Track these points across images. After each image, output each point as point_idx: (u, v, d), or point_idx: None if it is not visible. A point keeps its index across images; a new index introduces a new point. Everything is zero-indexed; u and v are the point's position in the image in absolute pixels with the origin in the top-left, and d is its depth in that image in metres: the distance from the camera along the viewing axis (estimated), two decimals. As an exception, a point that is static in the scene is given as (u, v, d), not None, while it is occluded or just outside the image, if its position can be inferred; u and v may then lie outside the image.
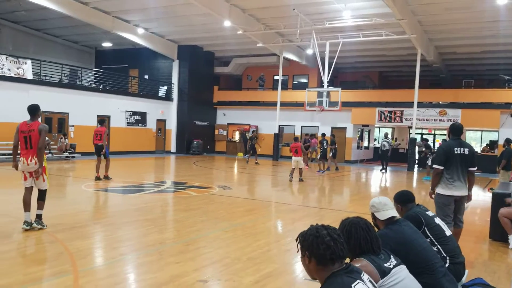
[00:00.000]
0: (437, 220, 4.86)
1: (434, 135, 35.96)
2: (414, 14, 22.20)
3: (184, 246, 7.41)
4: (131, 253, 6.98)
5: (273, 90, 33.28)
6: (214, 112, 35.87)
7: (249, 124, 33.97)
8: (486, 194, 15.86)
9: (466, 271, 4.78)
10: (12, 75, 22.21)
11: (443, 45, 27.77)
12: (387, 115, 28.93)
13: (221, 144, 35.70)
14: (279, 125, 30.79)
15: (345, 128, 30.74)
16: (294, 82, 35.47)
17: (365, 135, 34.18)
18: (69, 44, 34.33)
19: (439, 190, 6.98)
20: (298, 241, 2.86)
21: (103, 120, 16.04)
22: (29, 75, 23.09)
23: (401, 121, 28.70)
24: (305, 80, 34.69)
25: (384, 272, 3.28)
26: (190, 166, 23.61)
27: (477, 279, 4.70)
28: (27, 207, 7.89)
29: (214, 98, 35.62)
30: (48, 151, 22.11)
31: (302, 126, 31.96)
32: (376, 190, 17.96)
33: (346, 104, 27.84)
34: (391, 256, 3.46)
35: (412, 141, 26.84)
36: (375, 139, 36.22)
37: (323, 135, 24.56)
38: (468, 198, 7.07)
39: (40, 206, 8.00)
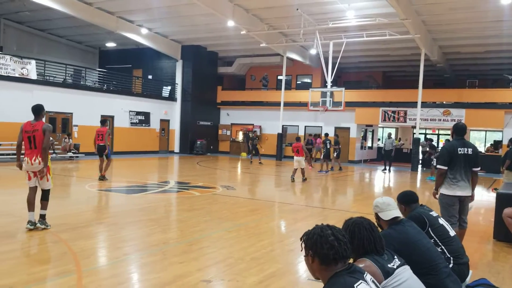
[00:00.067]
0: (441, 221, 4.84)
1: (438, 135, 35.90)
2: (418, 14, 22.16)
3: (187, 246, 7.41)
4: (135, 253, 6.98)
5: (277, 90, 33.27)
6: (217, 112, 35.88)
7: (253, 124, 33.98)
8: (490, 194, 15.81)
9: (470, 271, 4.77)
10: (16, 75, 22.27)
11: (447, 45, 27.71)
12: (391, 115, 28.88)
13: (225, 144, 35.71)
14: (283, 125, 30.77)
15: (348, 128, 30.70)
16: (298, 82, 35.45)
17: (369, 135, 34.13)
18: (73, 44, 34.40)
19: (443, 190, 6.96)
20: (302, 240, 2.86)
21: (105, 120, 16.02)
22: (33, 75, 23.16)
23: (405, 121, 28.65)
24: (308, 80, 34.66)
25: (387, 273, 3.27)
26: (194, 166, 23.62)
27: (481, 280, 4.69)
28: (31, 207, 7.90)
29: (218, 98, 35.63)
30: (52, 151, 22.15)
31: (305, 126, 31.95)
32: (380, 190, 17.94)
33: (350, 104, 27.81)
34: (395, 257, 3.45)
35: (416, 141, 26.80)
36: (379, 139, 36.17)
37: (326, 135, 24.56)
38: (471, 198, 7.06)
39: (44, 206, 8.01)
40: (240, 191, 14.96)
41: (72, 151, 23.84)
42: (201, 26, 27.31)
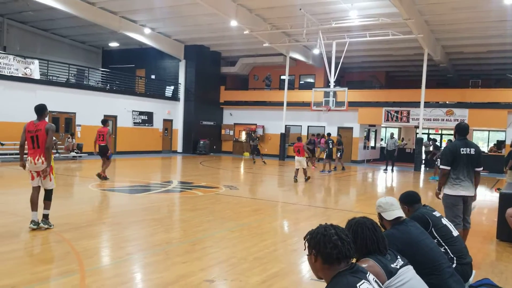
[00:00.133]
0: (444, 221, 4.84)
1: (441, 135, 35.83)
2: (421, 14, 22.13)
3: (190, 246, 7.42)
4: (138, 252, 6.99)
5: (280, 90, 33.27)
6: (220, 112, 35.89)
7: (256, 124, 33.97)
8: (493, 194, 15.77)
9: (473, 271, 4.77)
10: (20, 75, 22.31)
11: (450, 45, 27.68)
12: (394, 115, 28.86)
13: (228, 144, 35.71)
14: (286, 125, 30.77)
15: (351, 128, 30.68)
16: (301, 82, 35.44)
17: (372, 135, 34.10)
18: (76, 44, 34.45)
19: (447, 190, 6.96)
20: (305, 239, 2.87)
21: (106, 120, 15.93)
22: (37, 75, 23.19)
23: (408, 121, 28.62)
24: (311, 80, 34.65)
25: (390, 273, 3.27)
26: (197, 166, 23.64)
27: (484, 280, 4.68)
28: (34, 206, 7.92)
29: (221, 98, 35.64)
30: (55, 151, 22.20)
31: (308, 126, 31.93)
32: (383, 190, 17.93)
33: (353, 104, 27.79)
34: (398, 257, 3.45)
35: (419, 141, 26.77)
36: (382, 139, 36.13)
37: (329, 134, 24.54)
38: (474, 197, 7.05)
39: (47, 206, 8.02)
40: (243, 191, 14.97)
41: (75, 151, 23.87)
42: (204, 26, 27.33)
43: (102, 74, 31.13)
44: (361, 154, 31.34)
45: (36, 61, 23.41)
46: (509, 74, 29.42)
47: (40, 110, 8.03)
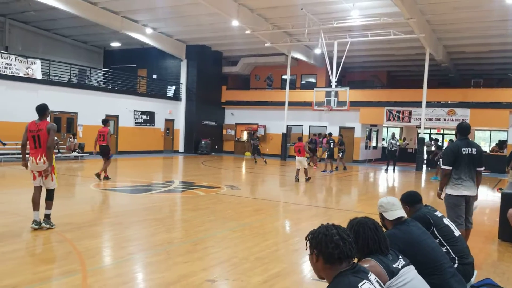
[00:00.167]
0: (446, 221, 4.83)
1: (443, 134, 35.82)
2: (422, 14, 22.12)
3: (192, 245, 7.42)
4: (139, 252, 6.99)
5: (281, 90, 33.25)
6: (222, 112, 35.89)
7: (257, 124, 33.97)
8: (495, 194, 15.76)
9: (475, 271, 4.76)
10: (22, 75, 22.34)
11: (451, 45, 27.65)
12: (396, 114, 28.84)
13: (229, 144, 35.71)
14: (287, 125, 30.75)
15: (353, 128, 30.66)
16: (302, 82, 35.43)
17: (373, 135, 34.08)
18: (78, 44, 34.48)
19: (449, 191, 6.94)
20: (307, 239, 2.87)
21: (106, 120, 15.88)
22: (38, 75, 23.22)
23: (410, 121, 28.59)
24: (313, 80, 34.64)
25: (392, 273, 3.27)
26: (198, 166, 23.65)
27: (486, 280, 4.68)
28: (36, 206, 7.92)
29: (222, 98, 35.64)
30: (57, 151, 22.22)
31: (310, 126, 31.91)
32: (384, 190, 17.91)
33: (354, 104, 27.78)
34: (400, 257, 3.45)
35: (421, 141, 26.75)
36: (383, 139, 36.11)
37: (330, 134, 24.52)
38: (475, 197, 7.05)
39: (48, 205, 8.03)
40: (244, 191, 14.98)
41: (76, 150, 23.89)
42: (205, 26, 27.33)
43: (103, 74, 31.17)
44: (363, 154, 31.31)
45: (38, 61, 23.44)
46: (511, 74, 29.37)
47: (42, 110, 8.04)
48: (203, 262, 6.54)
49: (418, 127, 28.24)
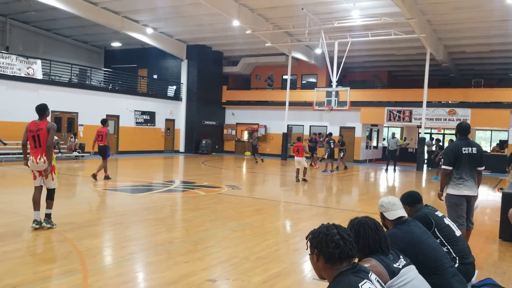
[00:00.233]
0: (447, 221, 4.83)
1: (443, 134, 35.82)
2: (423, 14, 22.11)
3: (192, 245, 7.42)
4: (140, 252, 7.00)
5: (282, 90, 33.24)
6: (222, 112, 35.89)
7: (258, 124, 33.97)
8: (496, 194, 15.75)
9: (476, 271, 4.76)
10: (22, 75, 22.35)
11: (452, 44, 27.64)
12: (396, 114, 28.83)
13: (230, 144, 35.70)
14: (288, 125, 30.74)
15: (353, 128, 30.64)
16: (303, 82, 35.42)
17: (374, 135, 34.07)
18: (78, 44, 34.49)
19: (450, 190, 6.91)
20: (308, 238, 2.86)
21: (105, 120, 15.82)
22: (39, 75, 23.23)
23: (410, 121, 28.58)
24: (313, 80, 34.63)
25: (393, 273, 3.26)
26: (199, 166, 23.65)
27: (487, 280, 4.67)
28: (36, 206, 7.93)
29: (223, 98, 35.64)
30: (57, 151, 22.23)
31: (310, 126, 31.90)
32: (385, 190, 17.90)
33: (355, 104, 27.78)
34: (400, 256, 3.45)
35: (421, 141, 26.73)
36: (384, 139, 36.11)
37: (330, 134, 24.50)
38: (476, 197, 7.03)
39: (49, 205, 8.04)
40: (245, 191, 14.99)
41: (77, 150, 23.90)
42: (206, 26, 27.34)
43: (104, 74, 31.17)
44: (363, 153, 31.30)
45: (39, 61, 23.45)
46: (511, 74, 29.33)
47: (41, 110, 8.05)
48: (204, 261, 6.54)
49: (419, 127, 28.23)
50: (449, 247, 4.56)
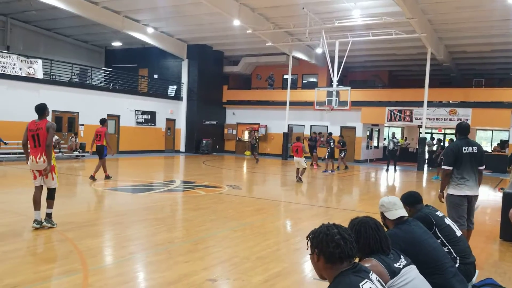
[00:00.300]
0: (447, 221, 4.82)
1: (444, 134, 35.80)
2: (424, 13, 22.09)
3: (193, 245, 7.42)
4: (140, 252, 7.00)
5: (283, 90, 33.22)
6: (223, 112, 35.88)
7: (259, 124, 33.97)
8: (496, 194, 15.74)
9: (477, 271, 4.75)
10: (23, 74, 22.36)
11: (453, 44, 27.61)
12: (397, 114, 28.81)
13: (231, 144, 35.69)
14: (288, 125, 30.72)
15: (354, 128, 30.62)
16: (304, 82, 35.39)
17: (375, 135, 34.06)
18: (79, 44, 34.49)
19: (451, 191, 6.88)
20: (308, 238, 2.86)
21: (104, 120, 15.76)
22: (40, 75, 23.24)
23: (411, 121, 28.56)
24: (314, 80, 34.61)
25: (394, 272, 3.26)
26: (199, 166, 23.65)
27: (488, 280, 4.67)
28: (37, 205, 7.94)
29: (224, 98, 35.62)
30: (58, 150, 22.24)
31: (311, 126, 31.87)
32: (386, 190, 17.89)
33: (356, 104, 27.77)
34: (401, 256, 3.44)
35: (422, 141, 26.71)
36: (385, 139, 36.11)
37: (330, 134, 24.48)
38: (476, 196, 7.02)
39: (50, 204, 8.04)
40: (245, 191, 14.99)
41: (78, 150, 23.90)
42: (206, 25, 27.32)
43: (105, 73, 31.18)
44: (364, 153, 31.29)
45: (39, 61, 23.46)
46: (512, 74, 29.36)
47: (41, 109, 8.07)
48: (204, 261, 6.54)
49: (420, 126, 28.21)
50: (450, 247, 4.55)
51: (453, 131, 8.20)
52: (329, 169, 22.63)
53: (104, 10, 25.44)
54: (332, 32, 24.97)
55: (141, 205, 11.22)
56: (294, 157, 17.47)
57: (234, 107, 35.41)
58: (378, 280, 2.85)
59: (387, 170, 24.73)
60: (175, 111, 32.57)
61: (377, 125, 32.97)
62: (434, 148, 25.56)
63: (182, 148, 33.24)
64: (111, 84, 29.49)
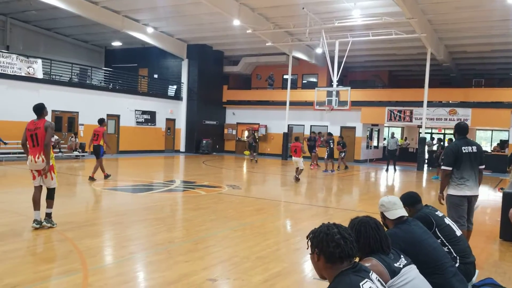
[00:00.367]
0: (447, 220, 4.83)
1: (444, 134, 35.80)
2: (424, 13, 22.10)
3: (193, 245, 7.42)
4: (140, 251, 6.99)
5: (282, 90, 33.21)
6: (223, 112, 35.87)
7: (259, 124, 33.97)
8: (496, 194, 15.75)
9: (477, 271, 4.75)
10: (23, 74, 22.36)
11: (453, 44, 27.61)
12: (397, 114, 28.81)
13: (231, 144, 35.68)
14: (288, 125, 30.72)
15: (354, 128, 30.62)
16: (304, 81, 35.39)
17: (375, 135, 34.06)
18: (79, 44, 34.49)
19: (451, 191, 6.87)
20: (308, 238, 2.86)
21: (102, 120, 15.77)
22: (40, 75, 23.24)
23: (411, 121, 28.56)
24: (314, 79, 34.60)
25: (394, 272, 3.25)
26: (199, 166, 23.64)
27: (488, 279, 4.67)
28: (36, 205, 7.93)
29: (224, 97, 35.62)
30: (58, 150, 22.24)
31: (311, 126, 31.86)
32: (386, 190, 17.89)
33: (356, 104, 27.77)
34: (401, 256, 3.44)
35: (422, 141, 26.71)
36: (385, 139, 36.10)
37: (330, 134, 24.47)
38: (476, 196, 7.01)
39: (49, 204, 8.04)
40: (245, 190, 14.99)
41: (78, 150, 23.90)
42: (206, 25, 27.32)
43: (105, 73, 31.18)
44: (364, 153, 31.29)
45: (39, 60, 23.46)
46: (512, 74, 29.35)
47: (38, 109, 8.08)
48: (204, 261, 6.54)
49: (420, 126, 28.21)
50: (450, 247, 4.56)
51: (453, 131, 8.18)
52: (329, 169, 22.63)
53: (104, 10, 25.44)
54: (332, 32, 24.97)
55: (141, 205, 11.22)
56: (293, 157, 17.46)
57: (234, 107, 35.41)
58: (378, 280, 2.84)
59: (387, 170, 24.72)
60: (175, 111, 32.57)
61: (377, 125, 32.98)
62: (434, 148, 25.54)
63: (182, 148, 33.24)
64: (111, 84, 29.49)
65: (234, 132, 35.37)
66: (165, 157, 28.65)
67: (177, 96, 32.89)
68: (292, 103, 30.50)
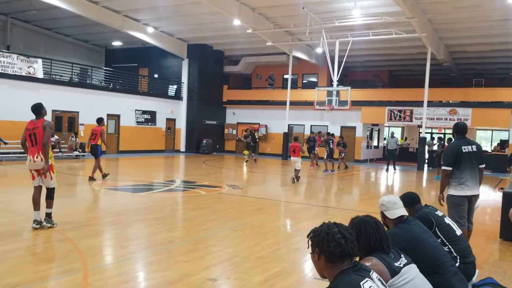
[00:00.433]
0: (447, 220, 4.83)
1: (444, 134, 35.78)
2: (424, 13, 22.09)
3: (193, 245, 7.42)
4: (140, 251, 6.99)
5: (283, 89, 33.22)
6: (223, 111, 35.87)
7: (259, 123, 33.96)
8: (496, 194, 15.75)
9: (477, 270, 4.75)
10: (23, 74, 22.36)
11: (453, 44, 27.60)
12: (397, 114, 28.81)
13: (231, 143, 35.68)
14: (289, 124, 30.72)
15: (354, 127, 30.61)
16: (304, 81, 35.38)
17: (375, 134, 34.06)
18: (79, 43, 34.49)
19: (452, 191, 6.85)
20: (309, 237, 2.86)
21: (101, 119, 15.72)
22: (40, 74, 23.24)
23: (411, 120, 28.56)
24: (314, 79, 34.60)
25: (394, 271, 3.26)
26: (200, 165, 23.64)
27: (488, 279, 4.67)
28: (36, 205, 7.93)
29: (224, 97, 35.61)
30: (58, 150, 22.25)
31: (311, 125, 31.85)
32: (386, 190, 17.89)
33: (356, 103, 27.77)
34: (401, 255, 3.44)
35: (422, 141, 26.70)
36: (385, 138, 36.09)
37: (330, 134, 24.46)
38: (477, 196, 7.00)
39: (49, 204, 8.04)
40: (246, 190, 14.98)
41: (78, 150, 23.90)
42: (207, 25, 27.32)
43: (105, 73, 31.18)
44: (364, 153, 31.28)
45: (40, 60, 23.46)
46: (512, 73, 29.35)
47: (37, 109, 8.08)
48: (204, 261, 6.54)
49: (420, 126, 28.21)
50: (450, 246, 4.56)
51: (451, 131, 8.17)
52: (329, 169, 22.63)
53: (104, 10, 25.44)
54: (332, 31, 24.97)
55: (141, 204, 11.22)
56: (291, 157, 17.41)
57: (234, 107, 35.40)
58: (379, 279, 2.84)
59: (387, 170, 24.72)
60: (175, 110, 32.57)
61: (377, 125, 32.97)
62: (435, 147, 25.52)
63: (182, 148, 33.24)
64: (111, 84, 29.48)
65: (234, 132, 35.35)
66: (165, 157, 28.65)
67: (177, 96, 32.90)
68: (292, 103, 30.49)
